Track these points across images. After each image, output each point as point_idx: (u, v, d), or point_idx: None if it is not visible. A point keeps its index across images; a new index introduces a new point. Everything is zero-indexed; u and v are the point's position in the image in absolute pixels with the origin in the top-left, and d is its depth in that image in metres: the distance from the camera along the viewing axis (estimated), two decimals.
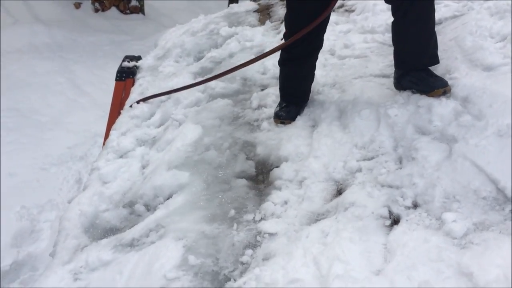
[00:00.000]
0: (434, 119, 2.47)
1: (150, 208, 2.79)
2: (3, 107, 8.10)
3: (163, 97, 3.87)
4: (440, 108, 2.50)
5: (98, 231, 2.75)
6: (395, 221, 2.12)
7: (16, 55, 10.05)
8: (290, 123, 3.03)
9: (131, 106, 3.91)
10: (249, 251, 2.21)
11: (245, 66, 3.22)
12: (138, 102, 3.89)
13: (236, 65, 3.35)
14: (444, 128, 2.41)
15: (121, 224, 2.76)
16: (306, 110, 3.09)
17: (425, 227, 2.00)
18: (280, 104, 3.14)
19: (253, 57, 3.67)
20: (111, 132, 3.69)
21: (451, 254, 1.82)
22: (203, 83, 3.51)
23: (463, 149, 2.23)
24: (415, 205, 2.14)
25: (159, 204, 2.76)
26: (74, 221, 2.82)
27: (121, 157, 3.33)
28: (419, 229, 1.99)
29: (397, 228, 2.04)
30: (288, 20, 2.91)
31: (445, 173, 2.18)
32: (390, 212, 2.16)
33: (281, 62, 3.08)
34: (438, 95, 2.59)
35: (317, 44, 2.97)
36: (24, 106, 8.41)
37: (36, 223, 6.11)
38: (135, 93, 4.24)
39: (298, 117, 3.04)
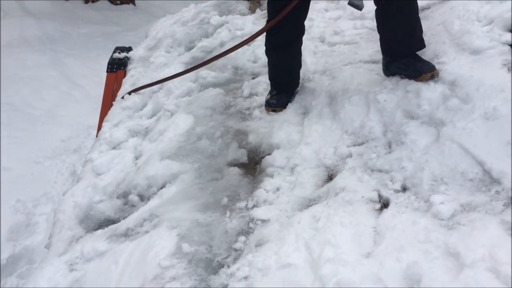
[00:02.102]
0: (423, 104, 2.50)
1: (144, 198, 2.81)
2: None
3: (154, 88, 3.88)
4: (429, 93, 2.53)
5: (93, 222, 2.77)
6: (385, 204, 2.15)
7: (7, 49, 9.98)
8: (281, 110, 3.05)
9: (123, 97, 3.92)
10: (242, 238, 2.24)
11: (228, 53, 3.23)
12: (129, 93, 3.90)
13: (219, 53, 3.37)
14: (432, 112, 2.44)
15: (115, 214, 2.79)
16: (297, 98, 3.11)
17: (414, 210, 2.03)
18: (270, 92, 3.16)
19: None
20: (104, 123, 3.70)
21: (438, 235, 1.86)
22: (192, 70, 3.52)
23: (451, 132, 2.26)
24: (404, 189, 2.18)
25: (153, 194, 2.79)
26: (69, 213, 2.84)
27: (114, 148, 3.34)
28: (408, 211, 2.03)
29: (387, 212, 2.07)
30: (268, 7, 2.93)
31: (433, 156, 2.21)
32: (380, 196, 2.19)
33: (266, 51, 3.10)
34: (426, 80, 2.62)
35: (295, 33, 2.98)
36: (16, 100, 8.37)
37: (32, 217, 6.10)
38: (127, 84, 4.24)
39: (289, 105, 3.06)
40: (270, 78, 3.18)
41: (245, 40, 3.11)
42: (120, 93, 4.14)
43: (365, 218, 2.07)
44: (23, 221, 5.95)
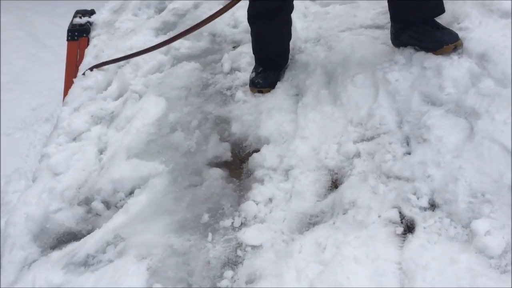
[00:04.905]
0: (446, 85, 2.00)
1: (110, 205, 2.36)
2: None
3: (121, 62, 3.32)
4: (452, 70, 2.03)
5: (50, 237, 2.33)
6: (409, 227, 1.68)
7: None
8: (269, 91, 2.54)
9: (83, 74, 3.36)
10: (228, 272, 1.77)
11: (207, 22, 2.64)
12: (91, 69, 3.35)
13: (200, 21, 2.77)
14: (460, 97, 1.94)
15: (77, 226, 2.34)
16: (288, 74, 2.59)
17: (450, 239, 1.57)
18: (255, 69, 2.63)
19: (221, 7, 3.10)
20: (62, 108, 3.18)
21: (488, 281, 1.40)
22: (163, 46, 2.95)
23: (488, 127, 1.77)
24: (433, 206, 1.70)
25: (120, 200, 2.34)
26: (21, 226, 2.39)
27: (74, 140, 2.85)
28: (442, 241, 1.56)
29: (413, 240, 1.60)
30: None
31: (468, 160, 1.72)
32: (402, 215, 1.72)
33: (248, 20, 2.54)
34: (448, 53, 2.11)
35: None
36: None
37: (5, 195, 5.73)
38: (89, 56, 3.70)
39: (278, 84, 2.55)
40: (254, 52, 2.65)
41: (227, 5, 2.51)
42: (82, 68, 3.59)
43: (386, 249, 1.60)
44: None
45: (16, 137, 6.62)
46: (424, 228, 1.62)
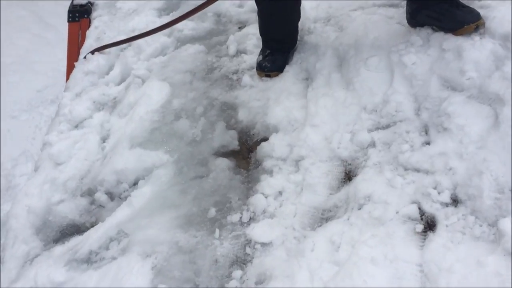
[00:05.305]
0: (467, 69, 1.86)
1: (114, 196, 2.28)
2: None
3: (123, 45, 3.20)
4: (474, 52, 1.89)
5: (53, 230, 2.26)
6: (429, 224, 1.57)
7: None
8: (277, 75, 2.42)
9: (85, 57, 3.24)
10: (237, 272, 1.68)
11: (215, 0, 2.49)
12: (92, 52, 3.22)
13: (204, 0, 2.62)
14: (483, 82, 1.81)
15: (80, 218, 2.26)
16: (297, 57, 2.45)
17: (475, 239, 1.46)
18: (262, 51, 2.50)
19: None
20: (63, 94, 3.08)
21: None
22: (167, 27, 2.81)
23: None
24: (456, 201, 1.59)
25: (124, 191, 2.25)
26: (23, 219, 2.31)
27: (76, 127, 2.75)
28: (466, 241, 1.45)
29: (434, 239, 1.49)
30: None
31: (493, 152, 1.60)
32: (421, 211, 1.61)
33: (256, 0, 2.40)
34: (469, 33, 1.97)
35: None
36: None
37: (12, 178, 5.71)
38: (91, 38, 3.56)
39: (287, 67, 2.42)
40: (261, 34, 2.51)
41: None
42: (83, 51, 3.47)
43: (405, 249, 1.50)
44: (3, 184, 5.58)
45: (22, 120, 6.56)
46: (447, 226, 1.51)
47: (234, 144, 2.24)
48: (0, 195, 5.10)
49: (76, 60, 3.50)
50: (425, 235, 1.54)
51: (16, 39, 8.12)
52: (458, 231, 1.49)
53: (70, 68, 3.64)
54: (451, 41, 2.00)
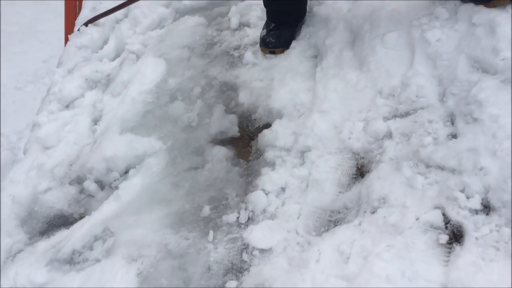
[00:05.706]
0: (502, 47, 1.63)
1: (104, 185, 2.12)
2: None
3: (118, 15, 2.97)
4: (510, 27, 1.63)
5: (39, 222, 2.11)
6: (456, 235, 1.34)
7: None
8: (282, 52, 2.20)
9: (78, 30, 3.02)
10: (232, 282, 1.48)
11: None
12: (86, 24, 3.00)
13: None
14: None
15: (69, 208, 2.10)
16: (304, 31, 2.22)
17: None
18: (267, 25, 2.26)
19: None
20: (56, 70, 2.86)
21: None
22: None
23: None
24: (487, 208, 1.36)
25: (114, 180, 2.10)
26: (7, 210, 2.15)
27: (67, 107, 2.56)
28: (501, 259, 1.23)
29: (462, 254, 1.27)
30: None
31: None
32: (446, 218, 1.38)
33: None
34: (503, 5, 1.71)
35: None
36: None
37: (17, 152, 5.57)
38: (86, 8, 3.34)
39: (294, 43, 2.20)
40: (265, 4, 2.26)
41: None
42: (79, 22, 3.24)
43: (427, 265, 1.28)
44: (8, 157, 5.42)
45: (27, 91, 6.42)
46: (477, 238, 1.29)
47: (234, 130, 2.02)
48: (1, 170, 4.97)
49: (72, 32, 3.28)
50: (450, 248, 1.32)
51: (20, 7, 7.93)
52: (490, 246, 1.26)
53: (67, 41, 3.43)
54: (482, 14, 1.75)
